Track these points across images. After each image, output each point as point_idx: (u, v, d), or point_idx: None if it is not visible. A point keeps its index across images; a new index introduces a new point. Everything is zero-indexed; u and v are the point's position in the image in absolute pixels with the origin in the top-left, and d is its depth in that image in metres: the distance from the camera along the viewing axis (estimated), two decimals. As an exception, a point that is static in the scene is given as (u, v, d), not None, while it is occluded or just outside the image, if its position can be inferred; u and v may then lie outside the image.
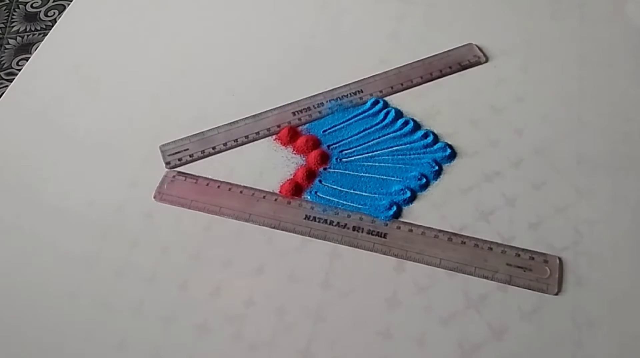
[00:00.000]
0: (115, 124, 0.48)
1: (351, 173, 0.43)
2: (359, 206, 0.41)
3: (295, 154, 0.44)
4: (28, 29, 1.45)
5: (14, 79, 0.52)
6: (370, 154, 0.44)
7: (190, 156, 0.45)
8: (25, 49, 1.40)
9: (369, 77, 0.49)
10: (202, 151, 0.45)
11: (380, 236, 0.40)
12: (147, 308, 0.38)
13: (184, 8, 0.56)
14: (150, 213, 0.43)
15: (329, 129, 0.46)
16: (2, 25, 1.46)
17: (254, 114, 0.47)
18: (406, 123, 0.45)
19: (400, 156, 0.44)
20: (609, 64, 0.48)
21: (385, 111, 0.46)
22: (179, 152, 0.45)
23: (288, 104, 0.47)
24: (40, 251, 0.41)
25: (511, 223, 0.40)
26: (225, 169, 0.44)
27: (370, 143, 0.45)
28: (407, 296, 0.37)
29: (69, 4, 0.59)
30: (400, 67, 0.49)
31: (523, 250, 0.38)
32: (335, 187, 0.43)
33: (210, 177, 0.44)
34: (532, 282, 0.37)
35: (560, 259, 0.38)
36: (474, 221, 0.40)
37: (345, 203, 0.42)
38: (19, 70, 0.54)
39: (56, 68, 0.53)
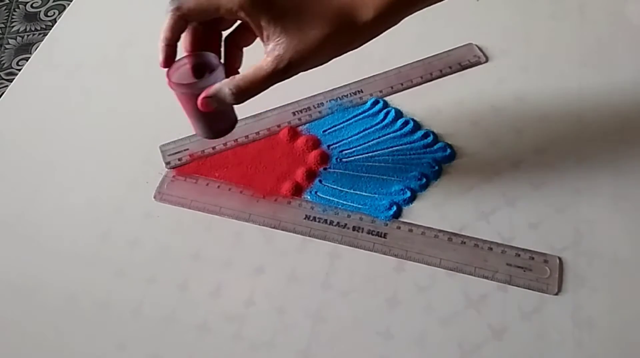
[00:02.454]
0: (115, 124, 0.48)
1: (351, 173, 0.43)
2: (359, 206, 0.41)
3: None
4: (28, 29, 1.45)
5: (14, 79, 0.52)
6: (370, 154, 0.44)
7: (191, 156, 0.45)
8: (25, 49, 1.40)
9: (369, 77, 0.49)
10: (202, 151, 0.45)
11: (380, 236, 0.40)
12: (147, 308, 0.38)
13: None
14: (150, 213, 0.43)
15: (329, 129, 0.46)
16: (2, 25, 1.46)
17: (254, 114, 0.47)
18: (406, 123, 0.45)
19: (400, 156, 0.44)
20: (609, 64, 0.48)
21: (385, 111, 0.46)
22: (179, 152, 0.45)
23: (288, 104, 0.47)
24: (40, 251, 0.41)
25: (511, 223, 0.40)
26: (225, 169, 0.44)
27: (370, 143, 0.45)
28: (407, 296, 0.37)
29: (69, 4, 0.59)
30: (400, 67, 0.49)
31: (523, 249, 0.38)
32: (335, 187, 0.43)
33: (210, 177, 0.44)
34: (532, 282, 0.37)
35: (560, 259, 0.38)
36: (474, 221, 0.40)
37: (345, 203, 0.42)
38: (19, 70, 0.54)
39: (56, 68, 0.53)
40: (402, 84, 0.48)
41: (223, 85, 0.33)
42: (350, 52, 0.33)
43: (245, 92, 0.33)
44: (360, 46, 0.34)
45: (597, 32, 0.50)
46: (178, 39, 0.34)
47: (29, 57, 0.55)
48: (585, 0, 0.52)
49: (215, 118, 0.37)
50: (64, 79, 0.52)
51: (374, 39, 0.33)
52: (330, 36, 0.32)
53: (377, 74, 0.49)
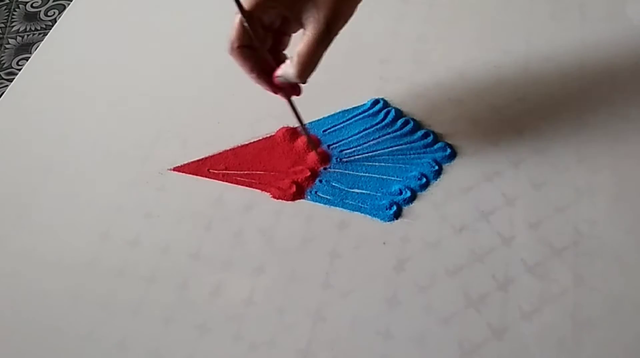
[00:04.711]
0: (115, 124, 0.48)
1: (351, 172, 0.43)
2: (359, 206, 0.41)
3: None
4: (28, 29, 1.45)
5: (14, 79, 0.52)
6: (370, 154, 0.44)
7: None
8: (25, 49, 1.40)
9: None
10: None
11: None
12: (147, 308, 0.38)
13: (182, 9, 0.56)
14: (150, 213, 0.43)
15: (329, 129, 0.46)
16: (2, 25, 1.46)
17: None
18: (406, 123, 0.45)
19: (400, 156, 0.44)
20: (609, 64, 0.48)
21: (385, 110, 0.46)
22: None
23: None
24: (41, 251, 0.41)
25: (511, 223, 0.40)
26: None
27: (370, 143, 0.45)
28: (407, 296, 0.37)
29: (69, 4, 0.59)
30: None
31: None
32: (335, 187, 0.43)
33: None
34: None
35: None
36: (474, 221, 0.40)
37: (345, 202, 0.42)
38: (19, 70, 0.55)
39: (56, 68, 0.53)
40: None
41: (286, 67, 0.35)
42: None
43: (307, 66, 0.35)
44: None
45: (597, 32, 0.50)
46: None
47: (29, 57, 0.55)
48: (585, 0, 0.52)
49: None
50: (64, 79, 0.52)
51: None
52: None
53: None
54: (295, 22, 0.35)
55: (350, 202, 0.42)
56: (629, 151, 0.43)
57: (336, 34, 0.35)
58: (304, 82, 0.36)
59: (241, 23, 0.34)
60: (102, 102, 0.50)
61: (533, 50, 0.49)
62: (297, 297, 0.38)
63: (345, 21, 0.35)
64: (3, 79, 1.34)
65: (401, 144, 0.44)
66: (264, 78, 0.37)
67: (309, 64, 0.35)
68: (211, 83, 0.50)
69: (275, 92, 0.38)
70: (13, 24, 1.46)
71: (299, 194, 0.42)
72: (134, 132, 0.47)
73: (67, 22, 0.57)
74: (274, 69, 0.36)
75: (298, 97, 0.39)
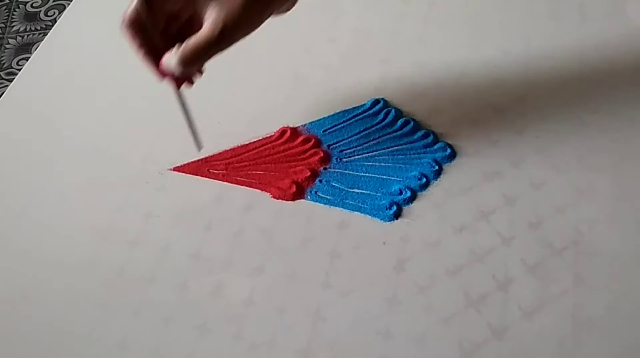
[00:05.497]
0: (115, 124, 0.48)
1: (351, 172, 0.43)
2: (359, 205, 0.41)
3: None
4: (28, 29, 1.45)
5: (14, 79, 0.52)
6: (370, 154, 0.44)
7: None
8: (25, 49, 1.40)
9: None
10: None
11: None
12: (147, 308, 0.38)
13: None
14: (150, 213, 0.43)
15: (329, 129, 0.46)
16: (2, 25, 1.46)
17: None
18: (406, 123, 0.45)
19: (400, 156, 0.44)
20: (609, 64, 0.48)
21: (385, 110, 0.46)
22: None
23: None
24: (41, 251, 0.41)
25: (511, 223, 0.40)
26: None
27: (370, 143, 0.45)
28: (407, 296, 0.37)
29: (69, 4, 0.59)
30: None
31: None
32: (335, 186, 0.43)
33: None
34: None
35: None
36: (474, 221, 0.40)
37: (345, 202, 0.42)
38: (19, 70, 0.55)
39: (56, 68, 0.53)
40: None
41: (170, 56, 0.35)
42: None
43: (188, 60, 0.34)
44: (284, 6, 0.35)
45: (597, 32, 0.50)
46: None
47: (29, 57, 0.55)
48: (585, 0, 0.52)
49: None
50: (64, 79, 0.52)
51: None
52: None
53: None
54: (197, 18, 0.35)
55: (350, 202, 0.42)
56: (629, 151, 0.43)
57: (232, 43, 0.34)
58: (181, 74, 0.36)
59: (140, 1, 0.34)
60: (102, 102, 0.50)
61: (533, 50, 0.49)
62: (297, 297, 0.38)
63: (246, 34, 0.34)
64: (3, 79, 1.34)
65: (401, 144, 0.44)
66: (151, 60, 0.36)
67: (190, 59, 0.34)
68: (211, 83, 0.50)
69: (162, 76, 0.37)
70: (13, 24, 1.46)
71: (299, 194, 0.42)
72: (134, 132, 0.47)
73: (67, 22, 0.57)
74: (164, 54, 0.36)
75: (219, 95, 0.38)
